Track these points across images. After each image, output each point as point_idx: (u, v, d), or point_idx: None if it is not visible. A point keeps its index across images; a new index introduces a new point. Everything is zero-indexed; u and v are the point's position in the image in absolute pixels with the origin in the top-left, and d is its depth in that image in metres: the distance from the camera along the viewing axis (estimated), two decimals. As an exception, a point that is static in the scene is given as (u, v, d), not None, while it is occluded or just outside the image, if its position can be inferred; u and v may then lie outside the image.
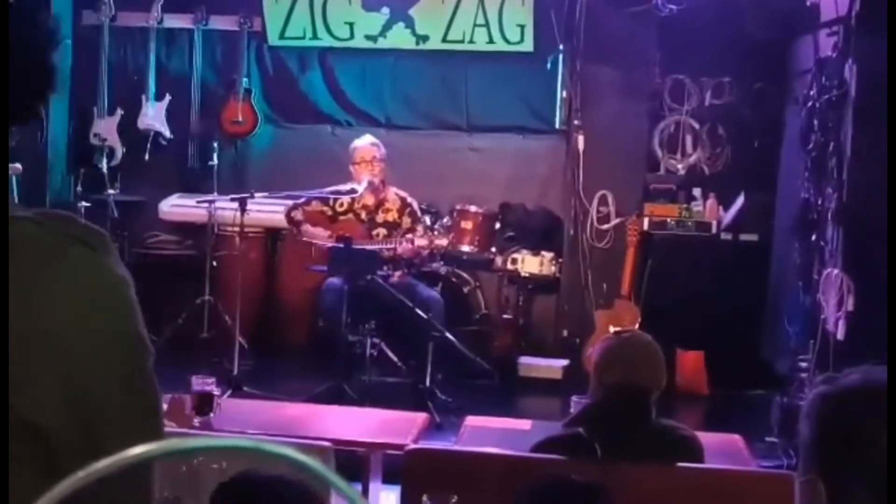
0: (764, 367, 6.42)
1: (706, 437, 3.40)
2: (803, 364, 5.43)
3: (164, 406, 3.43)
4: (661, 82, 6.95)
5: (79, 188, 7.39)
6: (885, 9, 4.87)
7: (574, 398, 3.60)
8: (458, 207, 6.85)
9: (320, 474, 0.76)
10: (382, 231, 6.41)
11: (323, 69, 7.80)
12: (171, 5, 7.65)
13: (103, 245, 1.22)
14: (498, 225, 7.00)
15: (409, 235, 6.29)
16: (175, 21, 7.77)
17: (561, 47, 7.09)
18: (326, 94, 7.81)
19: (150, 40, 7.70)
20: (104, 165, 7.34)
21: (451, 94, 7.67)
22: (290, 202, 6.56)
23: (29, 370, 1.15)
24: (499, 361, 6.63)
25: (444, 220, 6.92)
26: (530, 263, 6.92)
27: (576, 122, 7.13)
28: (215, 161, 6.91)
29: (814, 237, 5.53)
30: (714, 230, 6.73)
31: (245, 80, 7.67)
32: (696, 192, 6.90)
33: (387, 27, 7.54)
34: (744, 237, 6.70)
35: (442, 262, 6.96)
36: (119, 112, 7.65)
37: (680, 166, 7.02)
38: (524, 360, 6.77)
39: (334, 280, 6.06)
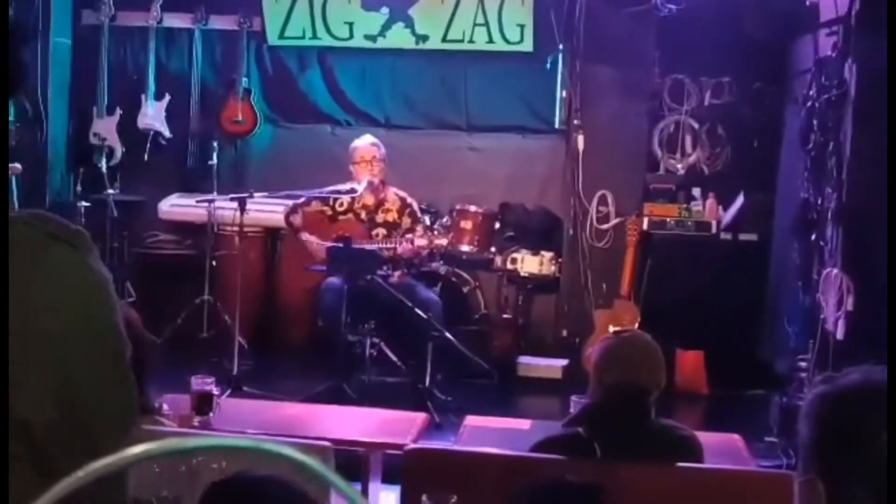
0: (763, 366, 6.42)
1: (705, 437, 3.40)
2: (803, 364, 5.43)
3: (165, 406, 3.44)
4: (661, 82, 6.96)
5: (78, 188, 7.40)
6: (885, 9, 4.87)
7: (573, 398, 3.60)
8: (457, 207, 6.85)
9: (320, 474, 0.76)
10: (382, 231, 6.41)
11: (322, 69, 7.80)
12: (170, 5, 7.65)
13: (84, 244, 1.24)
14: (497, 225, 7.00)
15: (409, 235, 6.29)
16: (175, 21, 7.77)
17: (560, 47, 7.08)
18: (326, 94, 7.81)
19: (149, 40, 7.70)
20: (104, 165, 7.35)
21: (450, 93, 7.67)
22: (289, 202, 6.56)
23: (21, 369, 1.16)
24: (498, 361, 6.63)
25: (444, 219, 6.92)
26: (530, 263, 6.92)
27: (575, 121, 7.12)
28: (215, 161, 6.91)
29: (813, 237, 5.53)
30: (714, 230, 6.73)
31: (245, 79, 7.67)
32: (696, 191, 6.90)
33: (386, 27, 7.54)
34: (743, 237, 6.70)
35: (441, 262, 6.97)
36: (119, 112, 7.65)
37: (679, 166, 7.02)
38: (524, 359, 6.77)
39: (334, 280, 6.06)
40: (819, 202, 5.47)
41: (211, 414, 3.86)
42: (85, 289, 1.23)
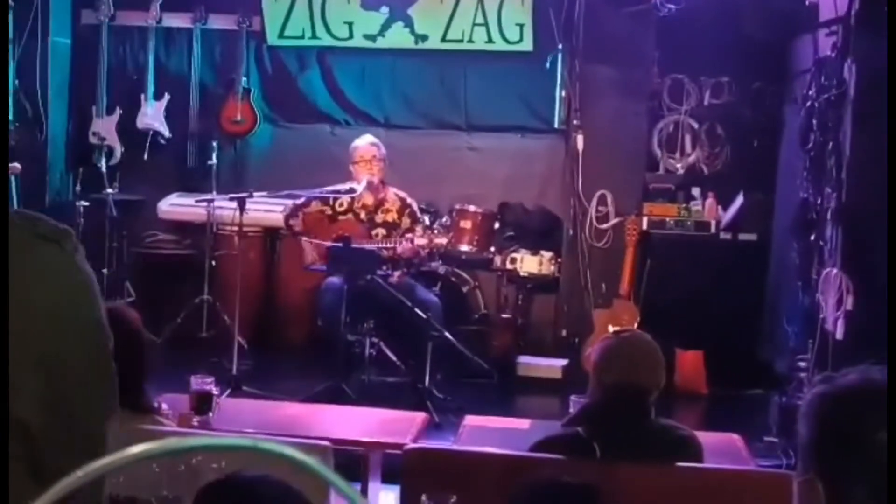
0: (763, 366, 6.42)
1: (705, 437, 3.40)
2: (802, 364, 5.43)
3: (164, 406, 3.44)
4: (660, 82, 6.95)
5: (78, 187, 7.40)
6: (885, 8, 4.87)
7: (573, 398, 3.60)
8: (457, 207, 6.85)
9: (320, 473, 0.76)
10: (382, 231, 6.41)
11: (322, 69, 7.80)
12: (170, 5, 7.65)
13: (71, 243, 1.25)
14: (497, 224, 7.00)
15: (409, 235, 6.29)
16: (174, 20, 7.76)
17: (560, 47, 7.09)
18: (325, 94, 7.81)
19: (149, 39, 7.70)
20: (103, 164, 7.35)
21: (450, 93, 7.67)
22: (289, 201, 6.56)
23: (17, 370, 1.16)
24: (498, 361, 6.63)
25: (443, 219, 6.92)
26: (529, 263, 6.92)
27: (575, 121, 7.12)
28: (214, 160, 6.91)
29: (813, 237, 5.53)
30: (713, 230, 6.73)
31: (244, 79, 7.67)
32: (695, 191, 6.90)
33: (386, 27, 7.54)
34: (743, 237, 6.70)
35: (441, 262, 6.97)
36: (118, 111, 7.65)
37: (679, 166, 7.02)
38: (523, 359, 6.76)
39: (333, 280, 6.06)
40: (818, 202, 5.47)
41: (210, 414, 3.86)
42: (75, 289, 1.25)
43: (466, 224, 6.78)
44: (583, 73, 7.11)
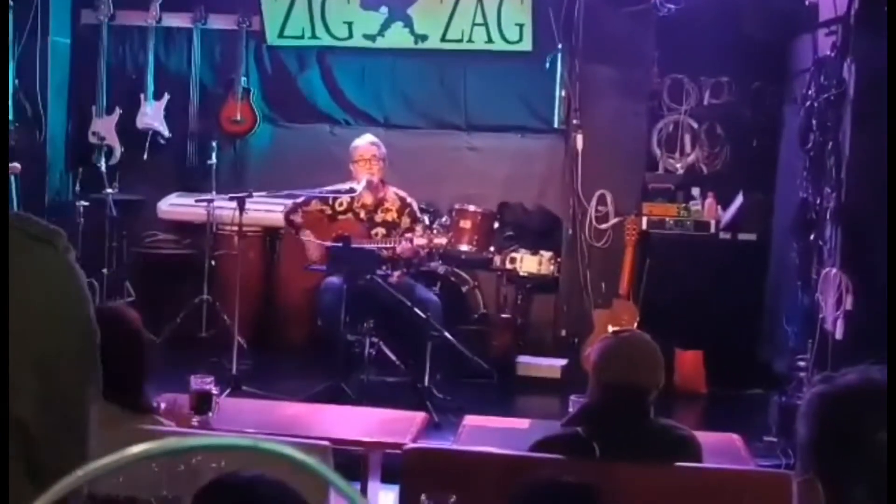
0: (762, 366, 6.42)
1: (704, 437, 3.40)
2: (802, 363, 5.43)
3: (164, 405, 3.44)
4: (660, 82, 6.96)
5: (77, 187, 7.41)
6: (885, 8, 4.87)
7: (572, 397, 3.61)
8: (456, 207, 6.85)
9: (320, 473, 0.76)
10: (381, 230, 6.41)
11: (321, 68, 7.80)
12: (169, 4, 7.65)
13: (63, 244, 1.26)
14: (497, 224, 7.00)
15: (408, 235, 6.28)
16: (174, 20, 7.76)
17: (560, 46, 7.09)
18: (325, 94, 7.81)
19: (148, 39, 7.70)
20: (103, 164, 7.35)
21: (449, 93, 7.67)
22: (289, 201, 6.56)
23: (16, 370, 1.17)
24: (497, 361, 6.63)
25: (443, 219, 6.92)
26: (529, 263, 6.92)
27: (574, 121, 7.12)
28: (214, 160, 6.92)
29: (812, 236, 5.53)
30: (713, 230, 6.73)
31: (244, 79, 7.67)
32: (695, 191, 6.90)
33: (385, 26, 7.54)
34: (742, 237, 6.70)
35: (440, 262, 6.97)
36: (118, 111, 7.65)
37: (678, 166, 7.02)
38: (523, 359, 6.76)
39: (333, 279, 6.06)
40: (818, 202, 5.47)
41: (210, 413, 3.85)
42: (70, 288, 1.26)
43: (466, 224, 6.78)
44: (582, 72, 7.11)
